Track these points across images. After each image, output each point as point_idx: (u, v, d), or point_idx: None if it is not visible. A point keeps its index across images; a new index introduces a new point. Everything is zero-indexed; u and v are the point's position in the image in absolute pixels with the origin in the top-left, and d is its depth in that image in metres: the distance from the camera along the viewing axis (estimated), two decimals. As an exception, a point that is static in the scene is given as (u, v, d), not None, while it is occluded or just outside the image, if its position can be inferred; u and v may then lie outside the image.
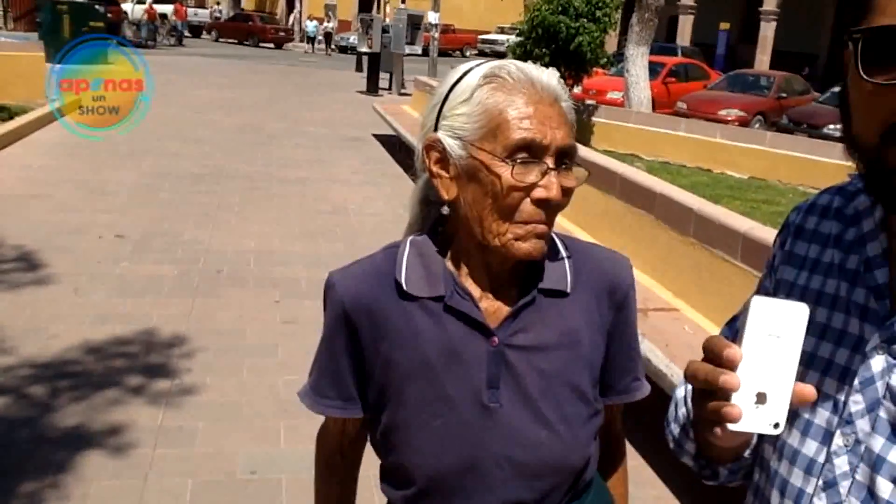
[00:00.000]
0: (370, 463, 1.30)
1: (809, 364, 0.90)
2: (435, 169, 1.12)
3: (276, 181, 8.93)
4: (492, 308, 1.14)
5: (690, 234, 4.63)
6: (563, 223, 6.74)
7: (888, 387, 0.80)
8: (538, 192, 1.05)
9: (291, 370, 3.96)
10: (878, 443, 0.81)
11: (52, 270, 5.44)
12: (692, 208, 4.67)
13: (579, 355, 1.16)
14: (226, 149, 10.70)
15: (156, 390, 3.90)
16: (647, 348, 3.66)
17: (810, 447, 0.88)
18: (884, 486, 0.79)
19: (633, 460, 3.47)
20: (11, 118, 10.58)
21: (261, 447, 3.46)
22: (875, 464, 0.80)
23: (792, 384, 0.76)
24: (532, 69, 1.09)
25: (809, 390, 0.77)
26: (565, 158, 1.08)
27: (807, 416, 0.89)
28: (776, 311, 0.78)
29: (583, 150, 7.24)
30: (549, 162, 1.05)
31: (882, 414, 0.81)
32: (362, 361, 1.18)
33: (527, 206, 1.06)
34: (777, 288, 1.00)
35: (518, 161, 1.04)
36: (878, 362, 0.82)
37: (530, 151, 1.05)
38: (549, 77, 1.09)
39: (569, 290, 1.16)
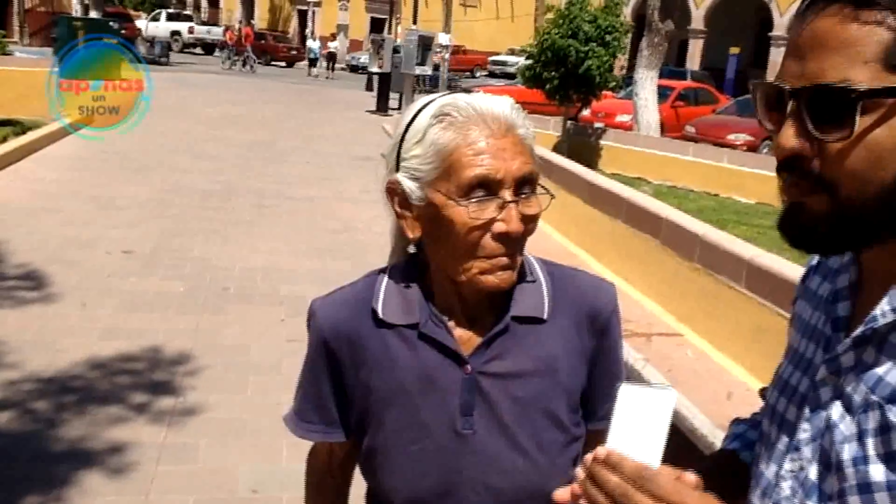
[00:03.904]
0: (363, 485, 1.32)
1: (782, 391, 0.94)
2: (399, 210, 1.13)
3: (286, 198, 8.98)
4: (466, 335, 1.15)
5: (695, 259, 4.64)
6: (569, 247, 6.76)
7: (828, 418, 0.83)
8: (498, 227, 1.05)
9: (295, 388, 3.96)
10: (814, 471, 0.84)
11: (61, 284, 5.48)
12: (697, 234, 4.68)
13: (556, 382, 1.15)
14: (236, 165, 10.78)
15: (160, 407, 3.91)
16: (650, 373, 3.67)
17: (771, 470, 0.91)
18: None
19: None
20: (24, 132, 10.69)
21: (263, 465, 3.47)
22: (809, 491, 0.84)
23: (657, 464, 0.80)
24: (482, 101, 1.08)
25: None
26: (525, 186, 1.07)
27: (773, 440, 0.93)
28: (644, 397, 0.83)
29: (589, 174, 7.28)
30: (507, 195, 1.05)
31: (822, 443, 0.84)
32: (343, 387, 1.20)
33: (488, 242, 1.06)
34: (791, 320, 1.03)
35: (473, 200, 1.04)
36: (825, 393, 0.85)
37: (486, 188, 1.04)
38: (502, 107, 1.08)
39: (546, 317, 1.16)
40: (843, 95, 0.74)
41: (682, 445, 3.36)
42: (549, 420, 1.15)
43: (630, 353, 3.87)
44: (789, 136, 0.78)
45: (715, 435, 3.08)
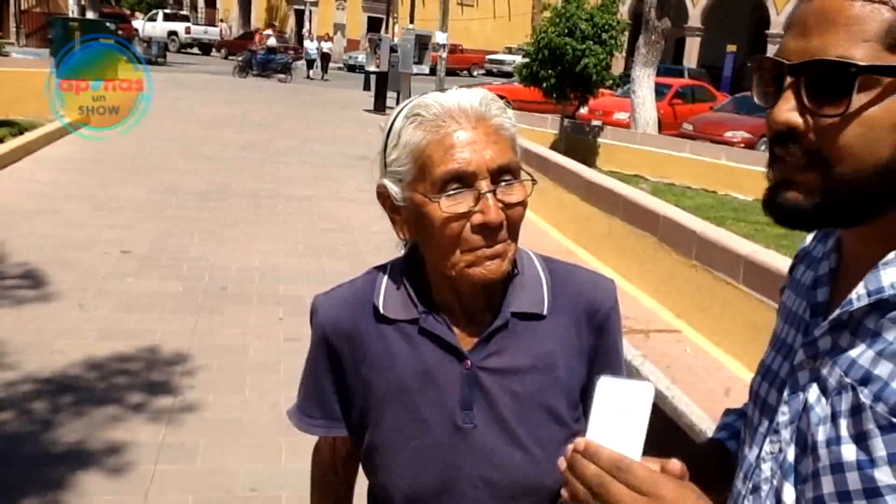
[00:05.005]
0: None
1: (764, 376, 0.97)
2: (390, 214, 1.15)
3: (283, 198, 8.97)
4: (466, 331, 1.15)
5: (693, 256, 4.64)
6: (567, 244, 6.75)
7: (805, 401, 0.85)
8: (476, 218, 1.05)
9: (293, 387, 3.91)
10: (792, 452, 0.86)
11: (58, 285, 5.47)
12: (694, 231, 4.68)
13: (555, 378, 1.16)
14: (233, 166, 10.76)
15: (158, 407, 3.91)
16: (649, 370, 3.67)
17: (753, 453, 0.93)
18: (788, 493, 0.85)
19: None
20: (21, 133, 10.67)
21: (261, 464, 3.47)
22: (786, 472, 0.86)
23: (638, 457, 0.81)
24: (449, 97, 1.08)
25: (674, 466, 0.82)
26: (505, 175, 1.07)
27: (755, 424, 0.94)
28: (622, 389, 0.84)
29: (587, 172, 7.28)
30: (484, 185, 1.04)
31: (800, 426, 0.85)
32: (344, 384, 1.20)
33: (469, 235, 1.06)
34: (778, 310, 1.04)
35: (447, 194, 1.04)
36: (803, 377, 0.87)
37: (460, 181, 1.05)
38: (470, 99, 1.08)
39: (545, 314, 1.16)
40: (842, 71, 0.75)
41: (681, 441, 3.36)
42: (549, 416, 1.15)
43: (628, 349, 3.87)
44: (784, 111, 0.79)
45: (713, 431, 3.08)
